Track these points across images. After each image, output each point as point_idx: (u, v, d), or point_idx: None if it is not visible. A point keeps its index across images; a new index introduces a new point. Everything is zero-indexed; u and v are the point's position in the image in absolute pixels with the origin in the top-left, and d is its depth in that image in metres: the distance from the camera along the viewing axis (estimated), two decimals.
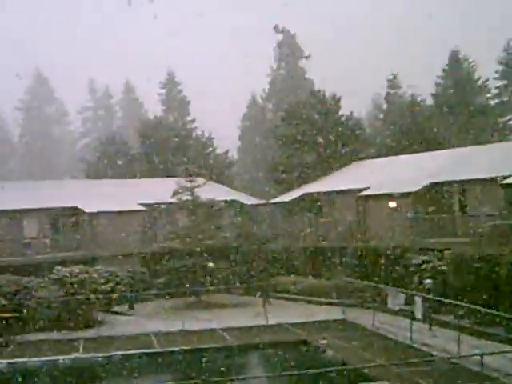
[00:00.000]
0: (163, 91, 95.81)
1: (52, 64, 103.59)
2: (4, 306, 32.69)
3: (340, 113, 60.86)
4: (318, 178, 52.34)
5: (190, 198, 43.57)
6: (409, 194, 39.51)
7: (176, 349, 29.66)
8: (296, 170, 56.74)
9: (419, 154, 49.02)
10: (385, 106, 79.39)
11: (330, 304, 38.79)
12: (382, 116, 79.12)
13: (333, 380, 21.90)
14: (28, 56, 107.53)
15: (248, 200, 53.85)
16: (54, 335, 33.35)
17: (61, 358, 28.59)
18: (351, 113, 61.06)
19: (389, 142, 60.82)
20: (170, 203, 44.89)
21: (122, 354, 29.13)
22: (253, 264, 45.23)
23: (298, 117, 58.75)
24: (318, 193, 47.19)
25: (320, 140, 55.76)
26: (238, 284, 42.31)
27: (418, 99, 68.37)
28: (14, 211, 42.94)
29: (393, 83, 78.12)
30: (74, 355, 28.97)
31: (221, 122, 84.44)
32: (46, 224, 44.70)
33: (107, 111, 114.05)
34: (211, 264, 41.46)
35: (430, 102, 71.26)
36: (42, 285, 35.62)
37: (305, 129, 57.41)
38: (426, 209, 39.52)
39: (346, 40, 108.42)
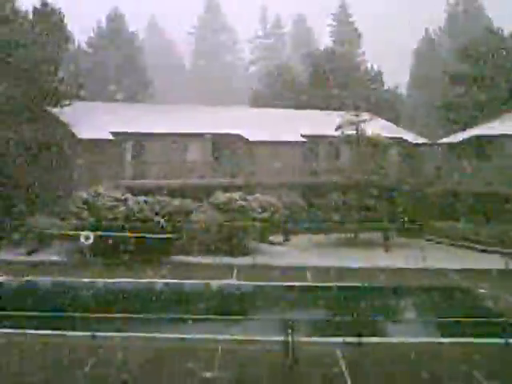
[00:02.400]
0: (335, 23, 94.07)
1: None
2: (163, 227, 33.50)
3: None
4: (490, 121, 49.34)
5: (354, 132, 42.48)
6: None
7: (329, 284, 29.22)
8: (468, 111, 53.85)
9: None
10: None
11: (493, 252, 36.95)
12: None
13: (489, 331, 20.74)
14: None
15: (414, 139, 51.87)
16: (209, 259, 33.96)
17: (214, 282, 29.00)
18: None
19: None
20: (333, 137, 43.93)
21: (274, 285, 29.13)
22: (412, 206, 43.70)
23: (474, 54, 55.50)
24: (488, 136, 44.47)
25: (497, 80, 52.42)
26: (395, 225, 40.96)
27: None
28: (179, 135, 43.68)
29: None
30: (226, 281, 29.27)
31: (391, 57, 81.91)
32: (209, 149, 45.25)
33: (277, 41, 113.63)
34: (369, 201, 40.49)
35: None
36: (202, 209, 36.23)
37: (481, 67, 54.17)
38: None
39: None
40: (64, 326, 20.48)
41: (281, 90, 69.53)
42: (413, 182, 44.33)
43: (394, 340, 21.28)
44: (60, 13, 44.68)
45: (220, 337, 20.03)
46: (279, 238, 39.74)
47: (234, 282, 29.42)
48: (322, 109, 58.83)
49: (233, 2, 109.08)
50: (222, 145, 45.50)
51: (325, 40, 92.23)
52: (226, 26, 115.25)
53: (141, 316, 21.04)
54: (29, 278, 28.82)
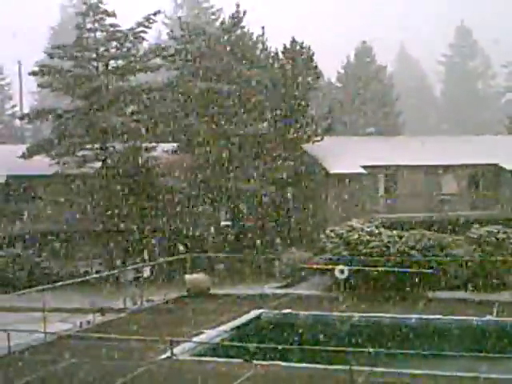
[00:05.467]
0: None
1: (475, 18, 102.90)
2: (418, 261, 32.97)
3: None
4: None
5: None
6: None
7: None
8: None
9: None
10: None
11: None
12: None
13: None
14: (451, 11, 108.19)
15: None
16: (465, 295, 32.72)
17: (473, 318, 27.88)
18: None
19: None
20: None
21: None
22: None
23: None
24: None
25: None
26: None
27: None
28: (433, 166, 43.02)
29: None
30: (487, 317, 28.02)
31: None
32: (464, 181, 43.99)
33: None
34: None
35: None
36: (458, 243, 35.20)
37: None
38: None
39: None
40: (322, 359, 20.83)
41: None
42: None
43: None
44: (309, 50, 45.65)
45: (479, 375, 19.12)
46: None
47: (493, 318, 28.06)
48: None
49: (485, 26, 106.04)
50: (478, 176, 44.04)
51: None
52: (477, 52, 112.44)
53: (395, 351, 20.80)
54: (288, 311, 29.68)
